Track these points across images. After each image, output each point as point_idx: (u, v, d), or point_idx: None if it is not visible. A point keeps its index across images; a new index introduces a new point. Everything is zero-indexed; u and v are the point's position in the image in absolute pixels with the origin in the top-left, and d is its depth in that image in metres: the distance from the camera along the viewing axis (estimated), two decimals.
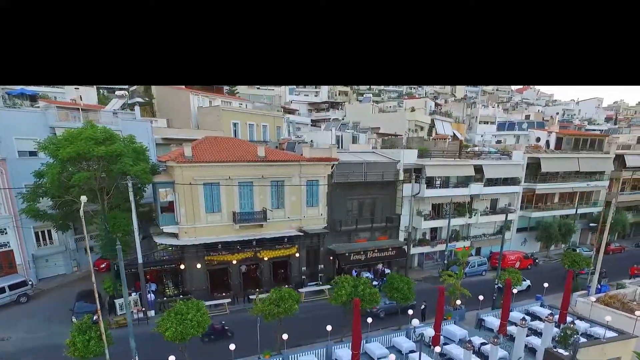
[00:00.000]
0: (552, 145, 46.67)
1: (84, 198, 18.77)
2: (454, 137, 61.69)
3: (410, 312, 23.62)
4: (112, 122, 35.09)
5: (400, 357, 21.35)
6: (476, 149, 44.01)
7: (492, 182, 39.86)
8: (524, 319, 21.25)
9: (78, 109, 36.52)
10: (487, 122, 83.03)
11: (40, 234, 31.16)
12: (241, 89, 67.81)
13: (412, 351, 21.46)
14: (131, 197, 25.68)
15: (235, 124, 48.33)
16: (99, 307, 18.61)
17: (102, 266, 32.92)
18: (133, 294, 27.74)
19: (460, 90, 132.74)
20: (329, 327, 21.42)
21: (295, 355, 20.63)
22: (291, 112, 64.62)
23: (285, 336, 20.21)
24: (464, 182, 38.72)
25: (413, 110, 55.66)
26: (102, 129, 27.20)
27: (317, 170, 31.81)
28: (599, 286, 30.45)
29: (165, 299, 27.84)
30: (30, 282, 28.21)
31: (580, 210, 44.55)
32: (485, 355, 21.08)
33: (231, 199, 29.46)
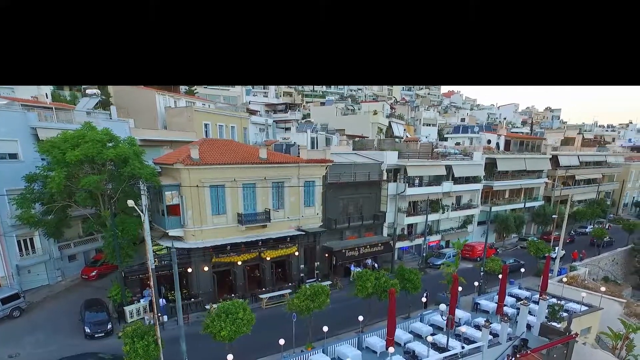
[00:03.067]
0: (501, 147, 52.28)
1: (130, 202, 18.49)
2: (405, 138, 66.01)
3: (424, 299, 25.99)
4: (92, 122, 33.37)
5: (421, 340, 23.56)
6: (443, 150, 47.89)
7: (456, 180, 43.83)
8: (526, 298, 24.54)
9: (51, 108, 34.26)
10: (429, 125, 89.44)
11: (22, 242, 28.92)
12: (199, 88, 66.24)
13: (432, 334, 23.70)
14: (144, 201, 25.10)
15: (206, 125, 47.69)
16: (155, 312, 18.46)
17: (92, 274, 31.32)
18: (142, 300, 27.10)
19: (397, 93, 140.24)
20: (360, 318, 23.05)
21: (333, 345, 21.92)
22: (252, 113, 64.52)
23: (325, 328, 21.47)
24: (434, 180, 42.23)
25: (375, 113, 58.80)
26: (104, 131, 26.27)
27: (314, 171, 33.11)
28: (560, 269, 35.33)
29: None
30: (23, 295, 26.23)
31: (527, 205, 50.48)
32: (494, 333, 23.96)
33: (236, 201, 29.76)
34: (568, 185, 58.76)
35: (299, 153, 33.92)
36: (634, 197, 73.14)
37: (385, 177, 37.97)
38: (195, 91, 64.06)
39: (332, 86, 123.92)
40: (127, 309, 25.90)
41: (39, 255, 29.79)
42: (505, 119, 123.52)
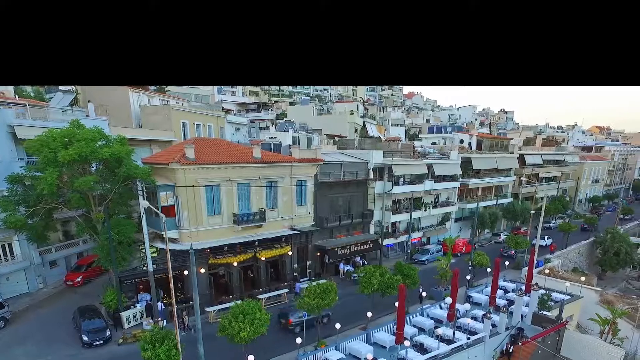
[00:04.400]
0: (474, 147, 54.50)
1: (144, 203, 17.81)
2: (379, 138, 67.35)
3: (424, 294, 26.71)
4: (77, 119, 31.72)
5: (424, 333, 24.27)
6: (422, 149, 49.19)
7: (436, 178, 45.24)
8: (519, 289, 25.80)
9: (23, 104, 32.18)
10: (398, 125, 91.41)
11: (1, 248, 26.99)
12: (170, 87, 64.28)
13: (436, 327, 24.46)
14: (142, 202, 24.18)
15: (184, 124, 46.46)
16: (175, 316, 17.89)
17: (77, 280, 29.69)
18: (137, 305, 26.10)
19: (362, 93, 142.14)
20: (369, 314, 23.40)
21: (344, 342, 22.12)
22: (227, 112, 63.50)
23: (337, 325, 21.64)
24: (416, 179, 43.37)
25: (352, 113, 59.54)
26: (95, 129, 25.07)
27: (306, 170, 33.15)
28: (537, 262, 37.32)
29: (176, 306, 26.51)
30: (7, 305, 24.51)
31: (498, 202, 52.93)
32: (492, 324, 25.05)
33: (231, 201, 29.29)
34: (532, 182, 62.12)
35: (290, 152, 33.84)
36: (587, 194, 78.44)
37: (371, 176, 38.60)
38: (166, 89, 62.13)
39: (299, 86, 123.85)
40: (124, 314, 24.85)
41: (19, 262, 27.90)
42: (475, 120, 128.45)
